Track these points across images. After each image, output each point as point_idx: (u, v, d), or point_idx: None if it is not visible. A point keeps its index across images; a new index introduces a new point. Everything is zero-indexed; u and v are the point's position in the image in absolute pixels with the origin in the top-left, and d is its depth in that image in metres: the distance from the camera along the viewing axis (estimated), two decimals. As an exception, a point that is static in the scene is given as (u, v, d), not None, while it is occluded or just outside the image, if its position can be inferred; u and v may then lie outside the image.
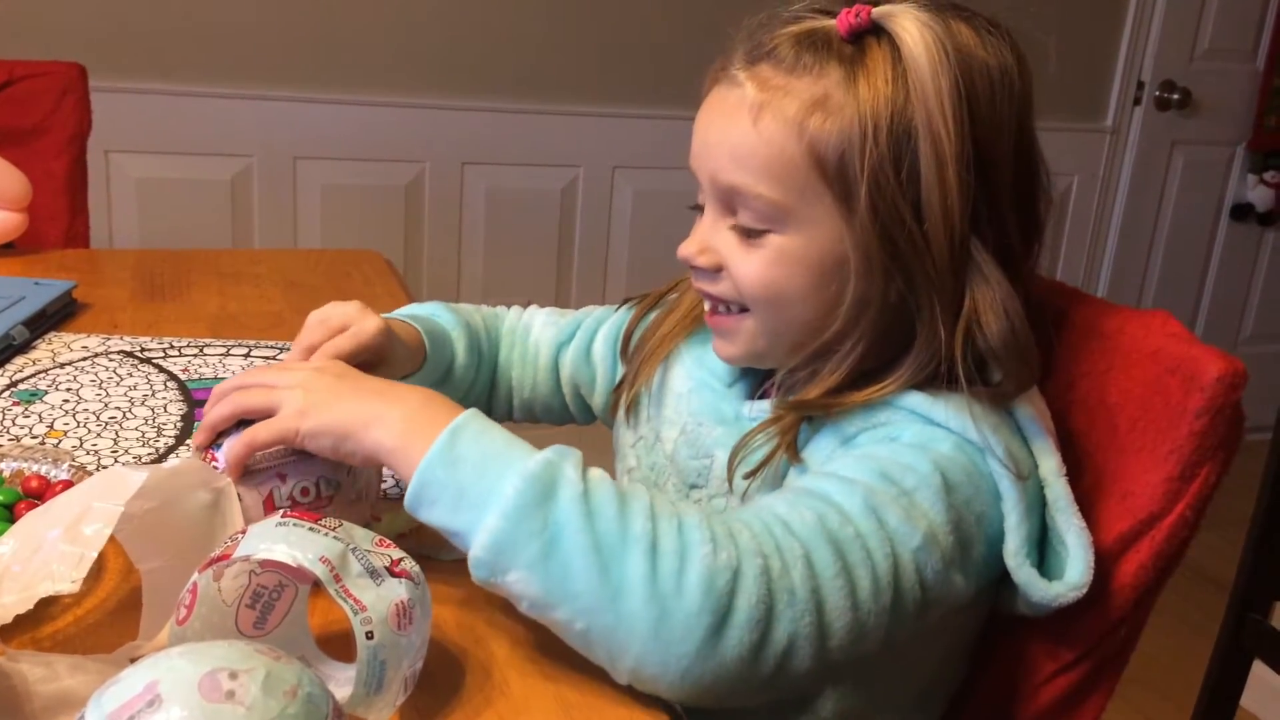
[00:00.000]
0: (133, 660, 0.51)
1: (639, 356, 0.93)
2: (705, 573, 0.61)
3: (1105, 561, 0.76)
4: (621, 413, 0.93)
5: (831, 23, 0.74)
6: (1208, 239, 3.24)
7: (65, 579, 0.61)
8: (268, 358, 1.15)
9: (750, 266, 0.77)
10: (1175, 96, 2.99)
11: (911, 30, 0.71)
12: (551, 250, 2.54)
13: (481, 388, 1.01)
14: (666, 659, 0.61)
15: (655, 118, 2.52)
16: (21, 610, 0.60)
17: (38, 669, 0.58)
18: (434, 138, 2.38)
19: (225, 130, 2.23)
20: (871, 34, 0.72)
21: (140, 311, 1.27)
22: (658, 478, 0.89)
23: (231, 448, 0.70)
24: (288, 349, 1.17)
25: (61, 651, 0.64)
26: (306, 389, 0.70)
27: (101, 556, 0.66)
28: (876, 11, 0.72)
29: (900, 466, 0.71)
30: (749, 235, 0.76)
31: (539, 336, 1.03)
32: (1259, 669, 1.67)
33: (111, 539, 0.63)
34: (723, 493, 0.81)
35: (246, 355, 1.15)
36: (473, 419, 0.67)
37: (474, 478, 0.64)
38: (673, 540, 0.62)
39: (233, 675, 0.47)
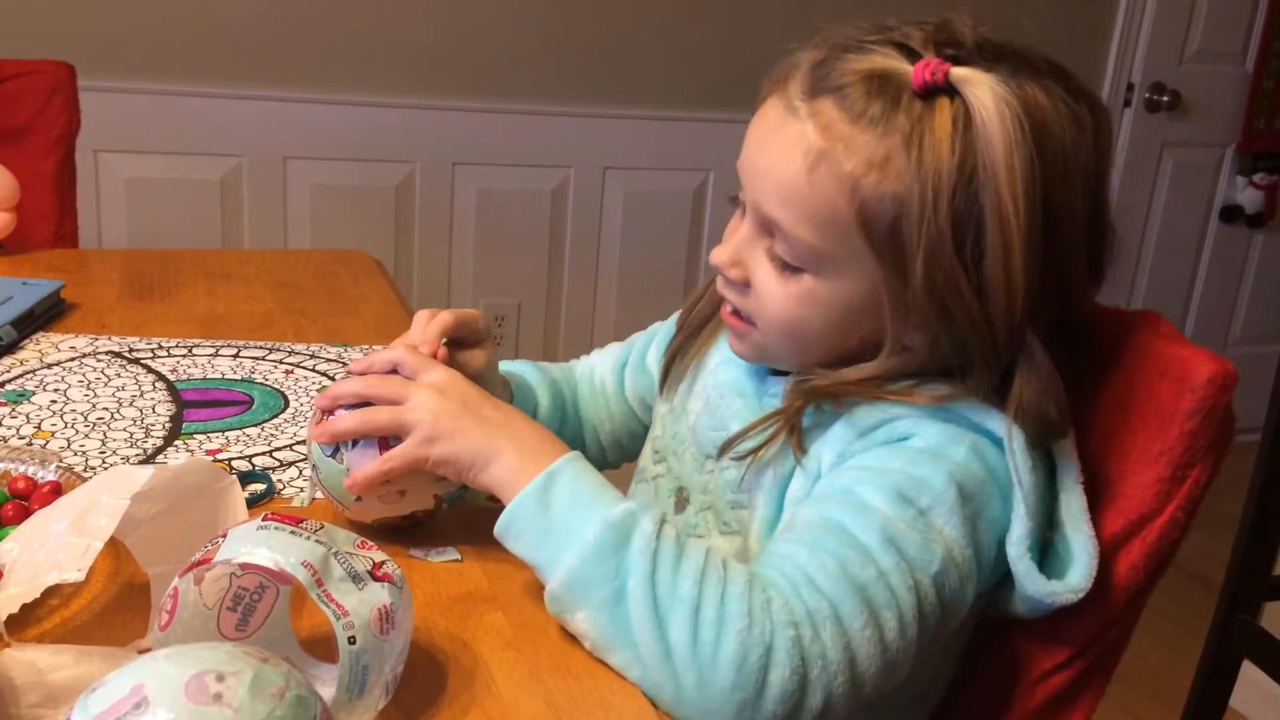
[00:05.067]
0: (141, 653, 0.51)
1: (692, 330, 0.93)
2: (739, 648, 0.63)
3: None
4: (660, 379, 0.94)
5: (904, 68, 0.70)
6: (1197, 241, 3.24)
7: (71, 568, 0.61)
8: (256, 358, 1.14)
9: (777, 300, 0.76)
10: (1165, 99, 2.99)
11: (987, 101, 0.68)
12: (542, 251, 2.53)
13: (570, 438, 1.03)
14: None
15: (646, 119, 2.51)
16: (28, 599, 0.61)
17: (46, 658, 0.58)
18: (424, 138, 2.37)
19: (215, 130, 2.22)
20: (944, 93, 0.69)
21: (129, 312, 1.26)
22: (678, 447, 0.90)
23: (366, 472, 0.74)
24: (278, 349, 1.17)
25: (47, 654, 0.64)
26: (435, 414, 0.73)
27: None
28: (955, 75, 0.69)
29: (915, 482, 0.71)
30: (785, 267, 0.76)
31: (602, 370, 1.07)
32: (1248, 669, 1.67)
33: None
34: (733, 464, 0.81)
35: (235, 356, 1.15)
36: (570, 463, 0.71)
37: (561, 519, 0.68)
38: (713, 609, 0.64)
39: (220, 678, 0.46)
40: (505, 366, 1.01)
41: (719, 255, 0.80)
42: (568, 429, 1.04)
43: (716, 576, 0.66)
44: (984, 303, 0.70)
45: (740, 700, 0.63)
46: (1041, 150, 0.69)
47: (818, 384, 0.77)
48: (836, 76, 0.71)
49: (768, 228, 0.76)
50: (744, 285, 0.79)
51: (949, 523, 0.70)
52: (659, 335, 1.03)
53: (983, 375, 0.73)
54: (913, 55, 0.71)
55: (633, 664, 0.65)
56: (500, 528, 0.70)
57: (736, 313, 0.81)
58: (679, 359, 0.92)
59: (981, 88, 0.68)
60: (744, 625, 0.63)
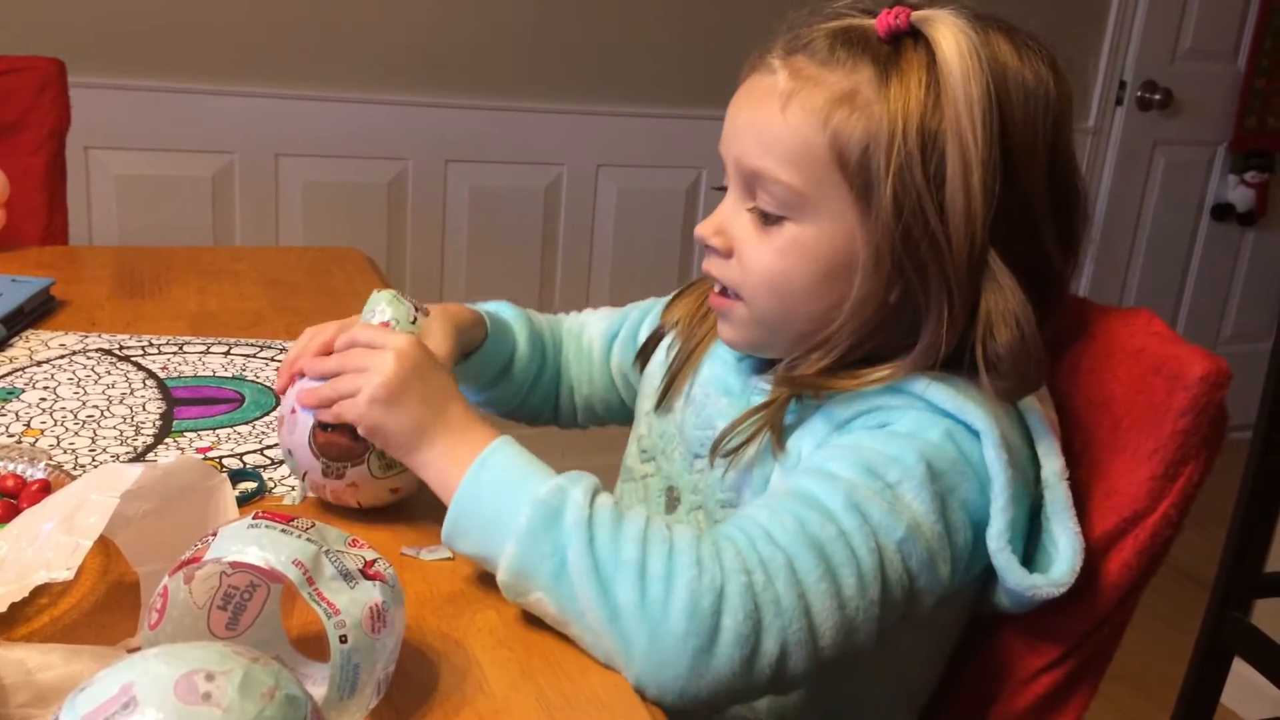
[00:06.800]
0: (130, 652, 0.50)
1: (692, 348, 0.92)
2: (689, 597, 0.63)
3: (1089, 560, 0.76)
4: (659, 395, 0.92)
5: (871, 22, 0.75)
6: (1188, 239, 3.25)
7: (60, 567, 0.61)
8: (247, 355, 1.14)
9: (761, 254, 0.77)
10: (1157, 97, 3.00)
11: (948, 36, 0.72)
12: (535, 248, 2.53)
13: (546, 387, 1.04)
14: (663, 680, 0.64)
15: (639, 116, 2.51)
16: (17, 599, 0.61)
17: (35, 657, 0.58)
18: (417, 135, 2.37)
19: (206, 126, 2.21)
20: (909, 37, 0.74)
21: (119, 309, 1.26)
22: (666, 446, 0.89)
23: (319, 394, 0.77)
24: (269, 346, 1.17)
25: (36, 653, 0.63)
26: (386, 378, 0.74)
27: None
28: (916, 15, 0.73)
29: (884, 458, 0.71)
30: (766, 220, 0.77)
31: (592, 332, 1.06)
32: (1239, 666, 1.68)
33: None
34: (720, 462, 0.81)
35: (226, 353, 1.14)
36: (499, 449, 0.71)
37: (495, 508, 0.69)
38: (660, 565, 0.64)
39: (209, 677, 0.46)
40: (484, 306, 1.00)
41: (703, 228, 0.81)
42: (545, 377, 1.03)
43: (660, 536, 0.66)
44: (945, 224, 0.72)
45: (695, 647, 0.63)
46: (1000, 79, 0.72)
47: (804, 373, 0.77)
48: (807, 35, 0.77)
49: (750, 186, 0.78)
50: (727, 254, 0.80)
51: (917, 498, 0.71)
52: (650, 315, 1.02)
53: (941, 316, 0.73)
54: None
55: (585, 634, 0.66)
56: (446, 534, 0.70)
57: (723, 291, 0.81)
58: (680, 375, 0.91)
59: (943, 24, 0.73)
60: (694, 574, 0.64)
